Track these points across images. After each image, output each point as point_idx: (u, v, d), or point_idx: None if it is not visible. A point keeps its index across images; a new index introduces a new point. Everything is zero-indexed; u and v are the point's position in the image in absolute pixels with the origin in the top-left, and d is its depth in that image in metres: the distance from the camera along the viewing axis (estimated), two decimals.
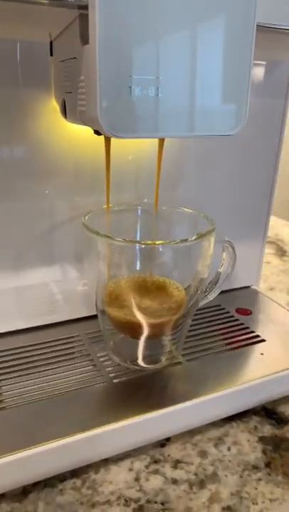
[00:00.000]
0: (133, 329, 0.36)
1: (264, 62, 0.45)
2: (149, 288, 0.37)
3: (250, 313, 0.48)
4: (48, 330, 0.44)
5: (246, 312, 0.48)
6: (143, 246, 0.32)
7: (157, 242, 0.31)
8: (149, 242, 0.31)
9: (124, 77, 0.25)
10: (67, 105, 0.33)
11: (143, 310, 0.34)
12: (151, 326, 0.36)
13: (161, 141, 0.34)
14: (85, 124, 0.30)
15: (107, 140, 0.33)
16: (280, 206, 0.99)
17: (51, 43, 0.35)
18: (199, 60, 0.27)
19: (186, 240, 0.32)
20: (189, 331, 0.44)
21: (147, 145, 0.41)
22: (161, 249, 0.32)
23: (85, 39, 0.26)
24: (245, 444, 0.37)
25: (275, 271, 0.72)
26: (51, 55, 0.35)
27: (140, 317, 0.35)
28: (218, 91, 0.28)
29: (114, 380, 0.37)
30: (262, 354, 0.41)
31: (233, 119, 0.29)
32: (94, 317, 0.46)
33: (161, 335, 0.39)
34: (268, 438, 0.37)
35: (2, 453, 0.29)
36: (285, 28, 0.32)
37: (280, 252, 0.81)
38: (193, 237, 0.32)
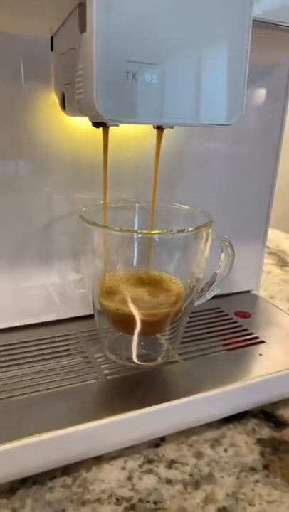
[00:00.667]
0: (129, 324, 0.35)
1: (263, 65, 0.45)
2: (145, 281, 0.36)
3: (249, 316, 0.48)
4: (44, 328, 0.43)
5: (245, 315, 0.48)
6: (140, 235, 0.31)
7: (153, 232, 0.31)
8: (146, 231, 0.31)
9: (121, 62, 0.26)
10: (66, 97, 0.33)
11: (140, 303, 0.34)
12: (148, 320, 0.35)
13: (160, 132, 0.34)
14: (83, 114, 0.30)
15: (105, 132, 0.33)
16: (281, 219, 1.00)
17: (51, 38, 0.35)
18: (197, 48, 0.27)
19: (182, 231, 0.31)
20: (187, 332, 0.43)
21: (146, 143, 0.42)
22: (157, 240, 0.32)
23: (83, 27, 0.27)
24: (243, 445, 0.35)
25: (276, 280, 0.72)
26: (52, 50, 0.36)
27: (136, 310, 0.34)
28: (215, 81, 0.28)
29: (109, 377, 0.36)
30: (261, 355, 0.40)
31: (230, 109, 0.29)
32: (90, 316, 0.45)
33: (158, 331, 0.38)
34: (267, 440, 0.36)
35: None
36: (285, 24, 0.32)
37: (281, 263, 0.81)
38: (191, 229, 0.32)
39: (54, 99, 0.37)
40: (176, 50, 0.26)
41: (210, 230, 0.34)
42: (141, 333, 0.37)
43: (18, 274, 0.42)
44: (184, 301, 0.37)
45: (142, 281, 0.36)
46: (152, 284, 0.36)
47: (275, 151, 0.50)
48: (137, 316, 0.34)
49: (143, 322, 0.35)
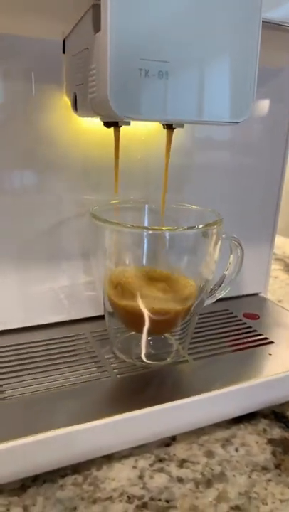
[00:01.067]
0: (140, 321, 0.35)
1: (268, 67, 0.46)
2: (156, 278, 0.36)
3: (258, 317, 0.48)
4: (54, 329, 0.43)
5: (254, 316, 0.48)
6: (150, 232, 0.32)
7: (164, 228, 0.31)
8: (156, 227, 0.31)
9: (134, 60, 0.26)
10: (78, 97, 0.33)
11: (150, 299, 0.34)
12: (159, 318, 0.35)
13: (170, 132, 0.34)
14: (96, 113, 0.30)
15: (117, 131, 0.34)
16: (287, 226, 1.00)
17: (64, 41, 0.36)
18: (208, 47, 0.28)
19: (193, 227, 0.32)
20: (196, 332, 0.43)
21: (156, 144, 0.42)
22: (167, 237, 0.32)
23: (97, 27, 0.27)
24: (254, 445, 0.35)
25: (283, 285, 0.72)
26: (64, 52, 0.36)
27: (147, 306, 0.34)
28: (226, 80, 0.29)
29: (119, 376, 0.36)
30: (270, 354, 0.40)
31: (239, 108, 0.30)
32: (100, 317, 0.45)
33: (168, 330, 0.38)
34: (278, 440, 0.36)
35: (1, 441, 0.28)
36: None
37: (288, 268, 0.81)
38: (201, 226, 0.32)
39: (65, 101, 0.38)
40: (188, 48, 0.27)
41: (220, 227, 0.34)
42: (151, 332, 0.37)
43: (28, 274, 0.42)
44: (194, 300, 0.37)
45: (153, 279, 0.36)
46: (163, 281, 0.36)
47: (282, 159, 0.51)
48: (148, 313, 0.34)
49: (154, 319, 0.35)
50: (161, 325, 0.37)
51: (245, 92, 0.30)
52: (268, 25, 0.32)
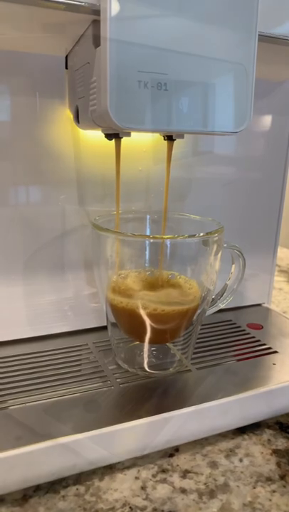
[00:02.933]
0: (142, 327, 0.35)
1: (272, 81, 0.47)
2: (160, 283, 0.36)
3: (262, 327, 0.47)
4: (57, 339, 0.43)
5: (258, 327, 0.47)
6: (151, 241, 0.32)
7: (165, 237, 0.31)
8: (158, 236, 0.31)
9: (133, 73, 0.27)
10: (80, 110, 0.34)
11: (154, 302, 0.34)
12: (161, 324, 0.35)
13: (170, 143, 0.35)
14: (97, 125, 0.31)
15: (118, 143, 0.34)
16: None
17: (66, 57, 0.37)
18: (205, 59, 0.28)
19: (194, 236, 0.32)
20: (199, 342, 0.43)
21: (157, 156, 0.43)
22: (169, 245, 0.32)
23: (97, 42, 0.28)
24: (258, 456, 0.35)
25: (287, 296, 0.72)
26: (66, 68, 0.37)
27: (150, 309, 0.34)
28: (224, 90, 0.30)
29: (122, 385, 0.36)
30: (274, 364, 0.40)
31: (238, 118, 0.30)
32: (102, 328, 0.45)
33: (170, 337, 0.38)
34: (283, 451, 0.35)
35: (2, 449, 0.28)
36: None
37: None
38: (202, 234, 0.32)
39: (68, 114, 0.39)
40: (186, 60, 0.28)
41: (221, 236, 0.34)
42: (154, 340, 0.37)
43: (33, 286, 0.43)
44: (198, 301, 0.37)
45: (156, 284, 0.36)
46: (167, 285, 0.37)
47: (283, 170, 0.51)
48: (151, 318, 0.34)
49: (156, 325, 0.35)
50: (164, 332, 0.37)
51: (244, 102, 0.30)
52: (271, 40, 0.33)
